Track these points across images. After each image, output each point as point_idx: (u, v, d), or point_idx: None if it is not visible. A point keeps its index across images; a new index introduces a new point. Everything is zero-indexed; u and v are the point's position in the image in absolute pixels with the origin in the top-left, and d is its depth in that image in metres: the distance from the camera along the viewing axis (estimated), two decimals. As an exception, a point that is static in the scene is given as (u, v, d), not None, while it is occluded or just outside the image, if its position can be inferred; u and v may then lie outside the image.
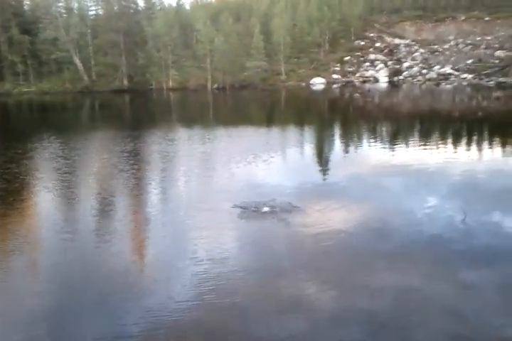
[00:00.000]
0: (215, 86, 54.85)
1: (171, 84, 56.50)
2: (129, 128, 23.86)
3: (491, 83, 47.38)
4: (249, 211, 9.03)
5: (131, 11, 59.92)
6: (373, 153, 15.67)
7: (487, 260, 6.93)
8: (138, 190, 11.38)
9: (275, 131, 22.37)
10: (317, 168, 13.90)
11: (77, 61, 55.52)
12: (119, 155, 15.59)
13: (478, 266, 6.77)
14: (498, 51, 54.02)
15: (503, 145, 16.97)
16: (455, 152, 15.47)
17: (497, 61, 52.44)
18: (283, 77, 55.69)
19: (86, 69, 55.99)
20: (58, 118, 31.55)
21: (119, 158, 15.12)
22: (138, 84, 55.79)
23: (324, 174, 12.94)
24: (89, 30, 56.60)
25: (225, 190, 10.77)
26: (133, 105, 43.69)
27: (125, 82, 56.16)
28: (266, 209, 9.06)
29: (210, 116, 31.37)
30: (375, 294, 5.97)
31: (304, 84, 54.32)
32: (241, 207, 9.23)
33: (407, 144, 17.22)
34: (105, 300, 5.97)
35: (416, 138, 19.14)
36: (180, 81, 56.40)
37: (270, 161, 14.05)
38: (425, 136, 19.19)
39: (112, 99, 48.50)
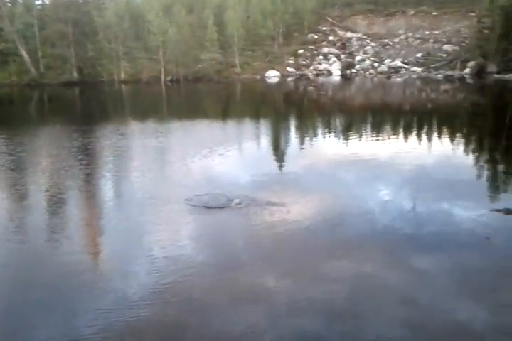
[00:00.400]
0: (169, 78, 54.02)
1: (122, 76, 55.21)
2: (79, 122, 23.13)
3: (439, 76, 48.94)
4: (206, 205, 8.91)
5: (80, 0, 57.87)
6: (328, 146, 15.86)
7: (437, 247, 7.12)
8: (88, 187, 10.99)
9: (231, 124, 22.26)
10: (274, 160, 13.91)
11: (23, 52, 53.16)
12: (69, 151, 15.05)
13: (429, 253, 6.94)
14: (446, 45, 55.77)
15: (452, 136, 17.56)
16: (406, 143, 15.88)
17: (444, 55, 54.15)
18: (238, 69, 55.46)
19: (33, 61, 53.74)
20: (4, 113, 30.20)
21: (68, 154, 14.60)
22: (88, 77, 54.14)
23: (281, 167, 12.96)
24: (35, 21, 54.23)
25: (179, 185, 10.59)
26: (83, 98, 42.40)
27: (75, 74, 54.28)
28: (223, 203, 8.97)
29: (163, 109, 30.85)
30: (332, 284, 6.03)
31: (258, 76, 54.32)
32: (197, 202, 9.10)
33: (360, 136, 17.49)
34: (56, 301, 5.74)
35: (369, 130, 19.50)
36: (133, 73, 55.20)
37: (226, 155, 13.94)
38: (378, 128, 19.59)
39: (61, 92, 46.91)
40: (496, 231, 7.48)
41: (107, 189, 10.78)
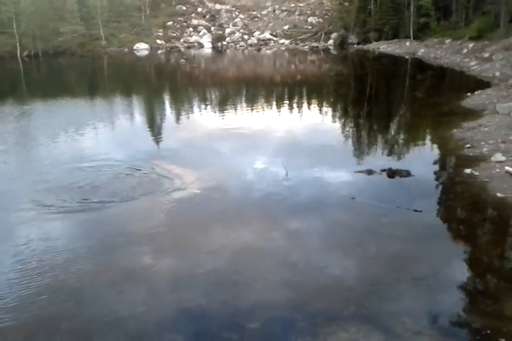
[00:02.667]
0: (26, 53, 49.31)
1: (-30, 52, 49.23)
2: None
3: (306, 48, 50.87)
4: (71, 193, 8.33)
5: None
6: (204, 119, 15.78)
7: (309, 209, 7.49)
8: None
9: (100, 102, 21.04)
10: (149, 137, 13.51)
11: None
12: None
13: (301, 215, 7.28)
14: (311, 17, 57.88)
15: (320, 105, 18.45)
16: (279, 114, 16.36)
17: (310, 27, 56.24)
18: (103, 42, 52.35)
19: None
20: None
21: None
22: None
23: (157, 142, 12.64)
24: None
25: (40, 176, 9.47)
26: None
27: None
28: (89, 187, 8.50)
29: (21, 88, 28.06)
30: (211, 255, 6.05)
31: (126, 49, 51.90)
32: (66, 193, 8.47)
33: (235, 108, 17.66)
34: None
35: (243, 102, 19.74)
36: (-17, 49, 49.46)
37: (95, 135, 13.28)
38: (251, 100, 19.89)
39: None
40: (359, 191, 8.04)
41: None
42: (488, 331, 4.51)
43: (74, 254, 6.15)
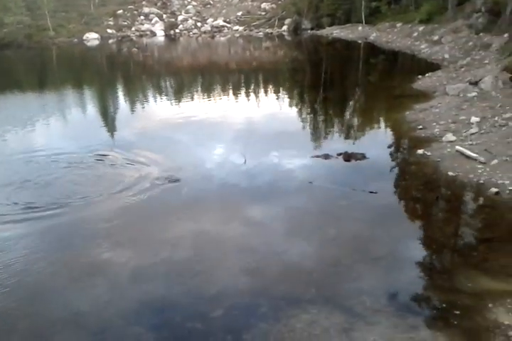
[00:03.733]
0: (-31, 46, 47.06)
1: None
2: None
3: (260, 34, 50.63)
4: (23, 188, 8.08)
5: None
6: (161, 109, 15.54)
7: (268, 195, 7.54)
8: None
9: (52, 95, 20.27)
10: (104, 128, 13.21)
11: None
12: None
13: (261, 201, 7.33)
14: (264, 3, 57.53)
15: (276, 92, 18.47)
16: (235, 101, 16.31)
17: (263, 13, 55.95)
18: (51, 33, 50.39)
19: None
20: None
21: None
22: None
23: (112, 133, 12.34)
24: None
25: None
26: None
27: None
28: (43, 182, 8.25)
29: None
30: (172, 246, 6.03)
31: (76, 40, 50.17)
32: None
33: (191, 97, 17.46)
34: None
35: (199, 90, 19.52)
36: None
37: (47, 130, 12.86)
38: (207, 89, 19.69)
39: None
40: (317, 176, 8.15)
41: None
42: (444, 305, 4.69)
43: (29, 255, 5.96)
